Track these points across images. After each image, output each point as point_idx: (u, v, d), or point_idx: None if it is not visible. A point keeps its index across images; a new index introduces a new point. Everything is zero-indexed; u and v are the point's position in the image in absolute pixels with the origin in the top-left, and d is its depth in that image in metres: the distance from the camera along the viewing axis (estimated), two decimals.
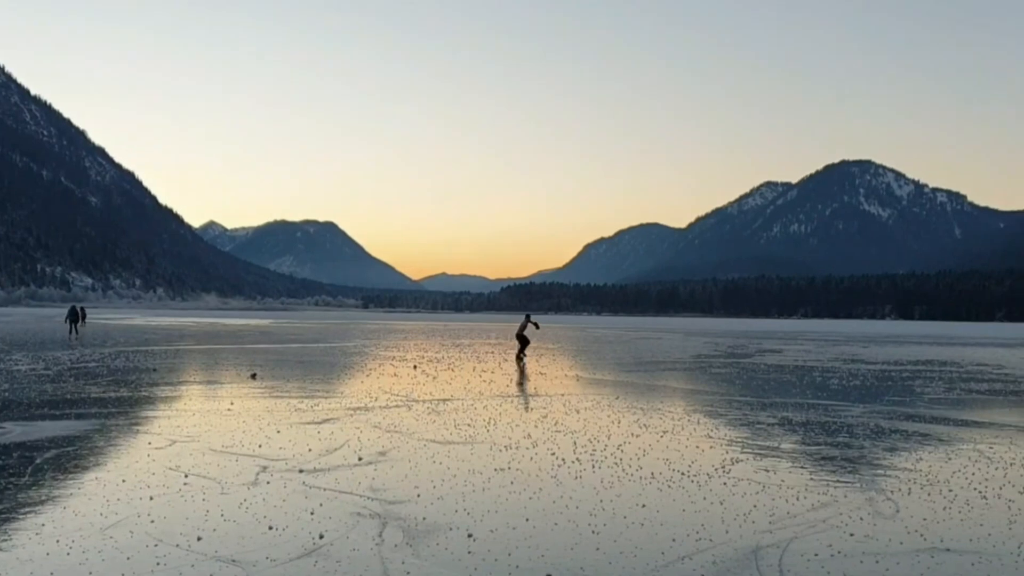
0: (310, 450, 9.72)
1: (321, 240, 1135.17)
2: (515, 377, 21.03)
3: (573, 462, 9.14)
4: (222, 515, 6.71)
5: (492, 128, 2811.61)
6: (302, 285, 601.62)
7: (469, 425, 11.94)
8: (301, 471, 8.51)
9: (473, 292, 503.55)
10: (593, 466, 8.94)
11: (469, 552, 5.82)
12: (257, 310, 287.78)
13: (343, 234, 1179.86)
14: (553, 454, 9.63)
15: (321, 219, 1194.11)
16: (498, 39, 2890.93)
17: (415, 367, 23.81)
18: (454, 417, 12.83)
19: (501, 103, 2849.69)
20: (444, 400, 15.23)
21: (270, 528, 6.34)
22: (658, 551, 5.87)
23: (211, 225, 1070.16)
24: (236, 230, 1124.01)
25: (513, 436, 10.96)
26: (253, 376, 19.74)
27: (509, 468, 8.79)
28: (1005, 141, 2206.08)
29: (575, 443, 10.42)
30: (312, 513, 6.81)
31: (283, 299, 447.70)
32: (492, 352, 33.29)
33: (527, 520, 6.67)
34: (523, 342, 28.50)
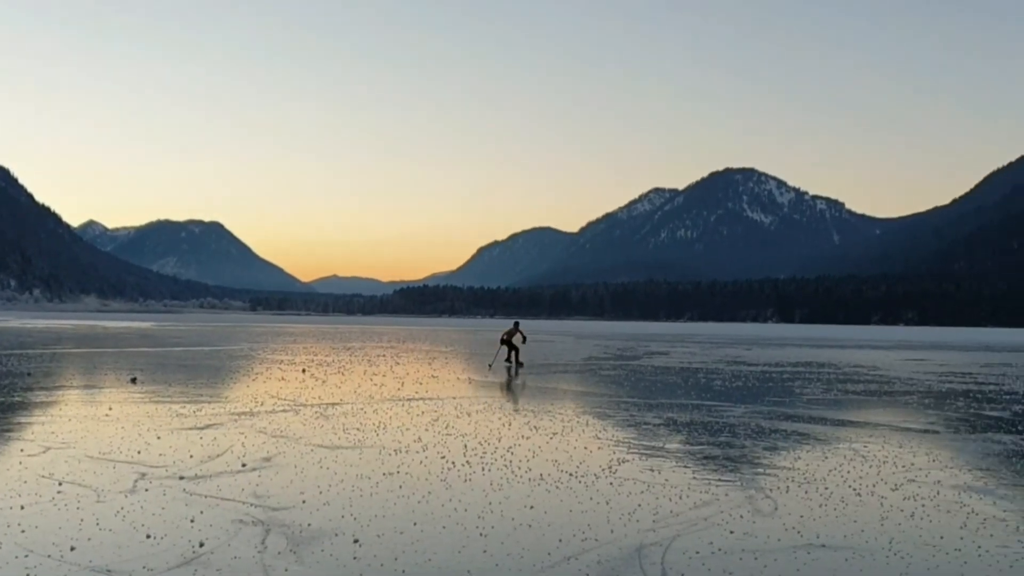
0: (191, 456, 9.45)
1: (207, 240, 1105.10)
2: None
3: (463, 465, 9.13)
4: (97, 524, 6.46)
5: (384, 128, 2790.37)
6: (187, 287, 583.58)
7: (358, 429, 11.80)
8: (182, 478, 8.27)
9: (366, 295, 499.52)
10: (483, 469, 8.95)
11: (355, 558, 5.75)
12: (139, 312, 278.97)
13: (229, 234, 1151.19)
14: (443, 457, 9.60)
15: (206, 219, 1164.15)
16: (392, 36, 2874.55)
17: (304, 371, 23.42)
18: (343, 421, 12.66)
19: (394, 104, 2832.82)
20: (333, 404, 15.02)
21: (148, 537, 6.13)
22: (545, 552, 5.92)
23: (91, 224, 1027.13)
24: (117, 229, 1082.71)
25: (403, 440, 10.88)
26: (133, 380, 19.07)
27: (398, 472, 8.72)
28: (881, 151, 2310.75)
29: (465, 446, 10.42)
30: (192, 521, 6.61)
31: (166, 301, 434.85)
32: (384, 355, 33.01)
33: (415, 524, 6.64)
34: (510, 348, 27.18)
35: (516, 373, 24.23)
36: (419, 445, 10.47)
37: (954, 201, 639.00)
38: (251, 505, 7.19)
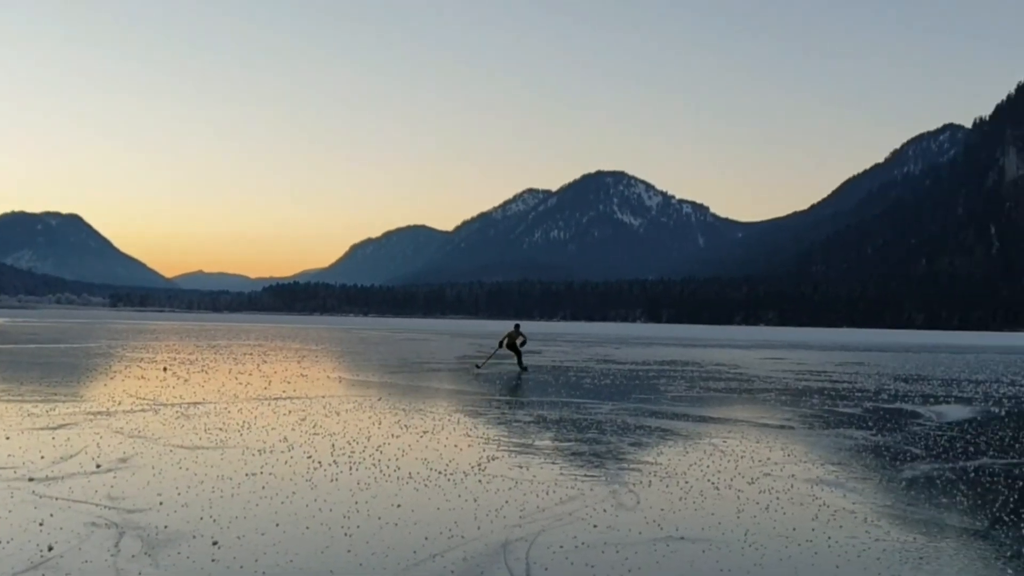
0: (43, 457, 8.99)
1: (64, 233, 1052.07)
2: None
3: (330, 465, 8.98)
4: None
5: (254, 121, 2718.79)
6: (43, 282, 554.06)
7: (221, 429, 11.46)
8: (31, 479, 7.86)
9: (232, 291, 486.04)
10: (350, 468, 8.83)
11: (213, 560, 5.58)
12: None
13: (88, 227, 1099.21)
14: (309, 457, 9.42)
15: (64, 211, 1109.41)
16: (262, 29, 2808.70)
17: (165, 369, 22.61)
18: (205, 421, 12.27)
19: (264, 97, 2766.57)
20: (195, 404, 14.55)
21: None
22: (410, 550, 5.88)
23: None
24: None
25: (268, 440, 10.63)
26: None
27: (261, 473, 8.51)
28: (744, 157, 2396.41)
29: (333, 445, 10.25)
30: (41, 524, 6.29)
31: (20, 296, 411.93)
32: (251, 354, 32.21)
33: (277, 525, 6.49)
34: (515, 352, 25.92)
35: (520, 377, 23.14)
36: (285, 445, 10.25)
37: (812, 207, 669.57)
38: (105, 507, 6.90)
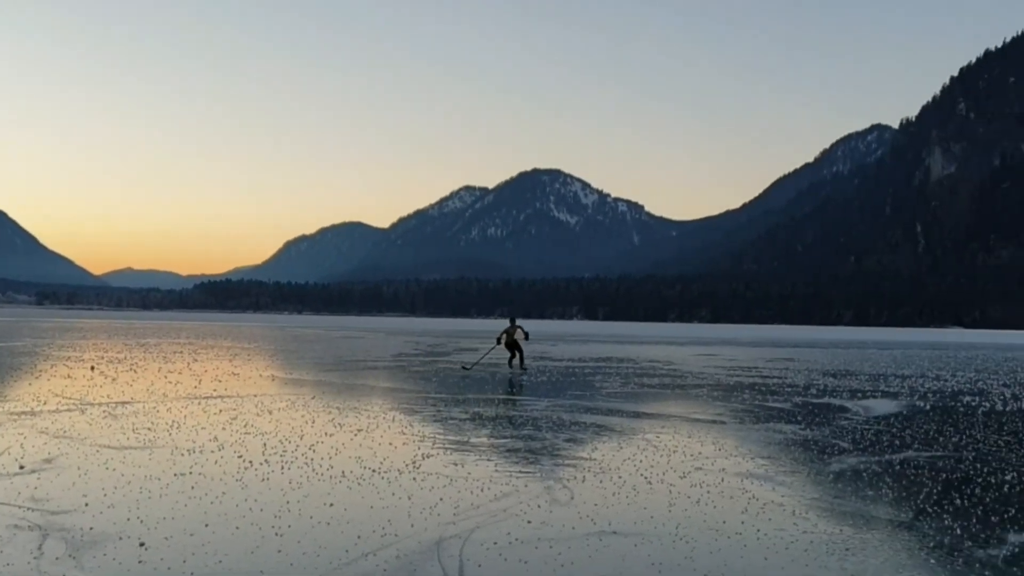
0: None
1: None
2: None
3: (261, 464, 8.86)
4: None
5: (184, 116, 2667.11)
6: None
7: (149, 429, 11.21)
8: None
9: (163, 289, 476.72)
10: (282, 467, 8.71)
11: (140, 562, 5.46)
12: None
13: (14, 223, 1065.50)
14: (240, 457, 9.28)
15: None
16: (194, 23, 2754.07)
17: (92, 368, 22.07)
18: (133, 421, 12.00)
19: (194, 92, 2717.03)
20: (123, 403, 14.22)
21: None
22: (342, 549, 5.82)
23: None
24: None
25: (198, 440, 10.43)
26: None
27: (191, 473, 8.35)
28: (678, 156, 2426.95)
29: (265, 444, 10.11)
30: None
31: None
32: (181, 352, 31.61)
33: (206, 526, 6.37)
34: (513, 348, 24.73)
35: (521, 375, 22.48)
36: (215, 444, 10.07)
37: (744, 205, 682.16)
38: (28, 509, 6.71)
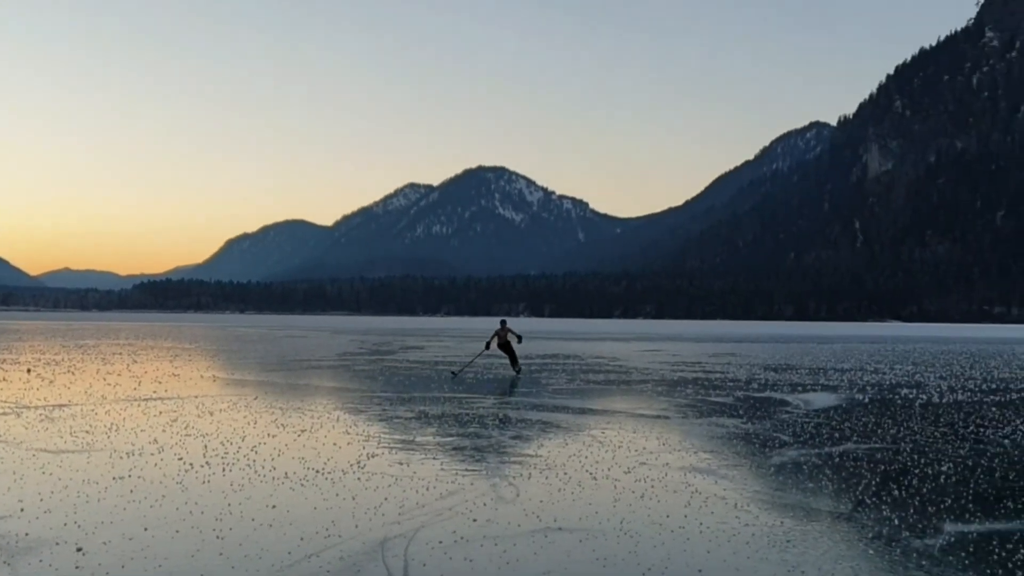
0: None
1: None
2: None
3: (202, 466, 8.72)
4: None
5: (122, 114, 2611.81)
6: None
7: (87, 432, 10.97)
8: None
9: (102, 289, 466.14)
10: (223, 469, 8.59)
11: (77, 567, 5.35)
12: None
13: None
14: (181, 459, 9.12)
15: None
16: (134, 24, 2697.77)
17: (29, 371, 21.53)
18: (70, 424, 11.74)
19: (132, 89, 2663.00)
20: (60, 406, 13.89)
21: None
22: (285, 551, 5.75)
23: None
24: None
25: (137, 442, 10.24)
26: None
27: (130, 476, 8.20)
28: (622, 154, 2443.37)
29: (206, 446, 9.96)
30: None
31: None
32: (120, 354, 30.99)
33: (146, 530, 6.25)
34: (509, 351, 22.94)
35: (517, 380, 20.77)
36: (155, 447, 9.89)
37: (686, 202, 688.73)
38: None
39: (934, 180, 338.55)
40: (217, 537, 6.08)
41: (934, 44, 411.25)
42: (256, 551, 5.76)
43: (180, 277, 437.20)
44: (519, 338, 23.48)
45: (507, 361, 23.59)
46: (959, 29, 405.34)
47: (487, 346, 23.40)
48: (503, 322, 23.91)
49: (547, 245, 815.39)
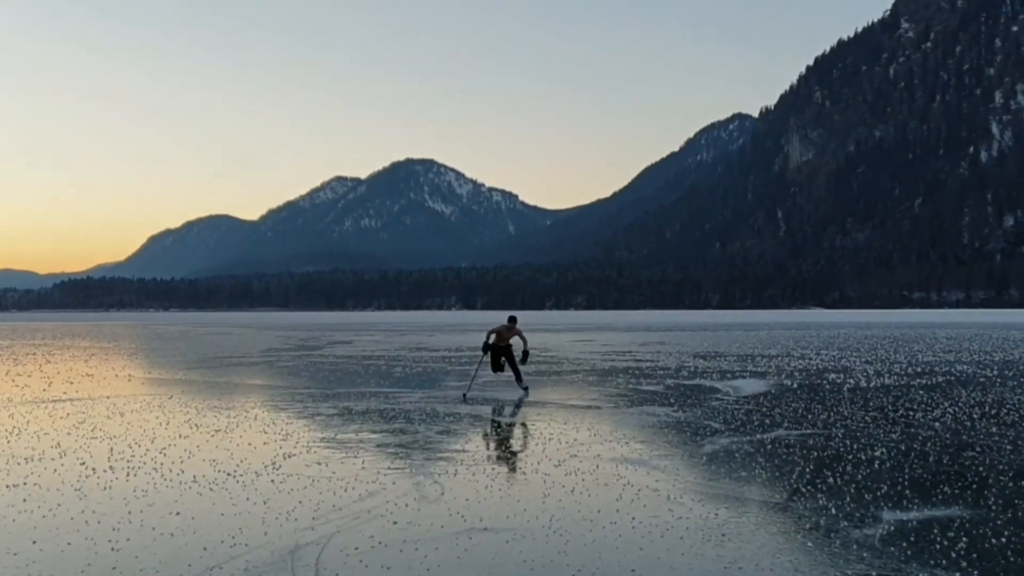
0: None
1: None
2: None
3: (105, 471, 8.15)
4: None
5: (35, 108, 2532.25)
6: None
7: None
8: None
9: (20, 289, 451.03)
10: (128, 474, 8.03)
11: None
12: None
13: None
14: (83, 464, 8.54)
15: None
16: (50, 15, 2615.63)
17: None
18: None
19: (44, 81, 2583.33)
20: None
21: None
22: (185, 563, 5.29)
23: None
24: None
25: (38, 446, 9.60)
26: None
27: (25, 483, 7.61)
28: (550, 147, 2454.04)
29: (112, 449, 9.37)
30: None
31: None
32: (34, 354, 29.75)
33: (34, 542, 5.73)
34: (509, 358, 16.34)
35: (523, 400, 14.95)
36: (56, 451, 9.27)
37: (614, 194, 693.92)
38: None
39: (854, 169, 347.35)
40: (112, 549, 5.59)
41: (852, 36, 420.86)
42: (153, 564, 5.28)
43: (102, 275, 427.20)
44: (525, 354, 16.72)
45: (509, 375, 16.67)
46: (875, 21, 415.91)
47: (485, 349, 16.51)
48: (512, 319, 16.70)
49: (478, 237, 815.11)
